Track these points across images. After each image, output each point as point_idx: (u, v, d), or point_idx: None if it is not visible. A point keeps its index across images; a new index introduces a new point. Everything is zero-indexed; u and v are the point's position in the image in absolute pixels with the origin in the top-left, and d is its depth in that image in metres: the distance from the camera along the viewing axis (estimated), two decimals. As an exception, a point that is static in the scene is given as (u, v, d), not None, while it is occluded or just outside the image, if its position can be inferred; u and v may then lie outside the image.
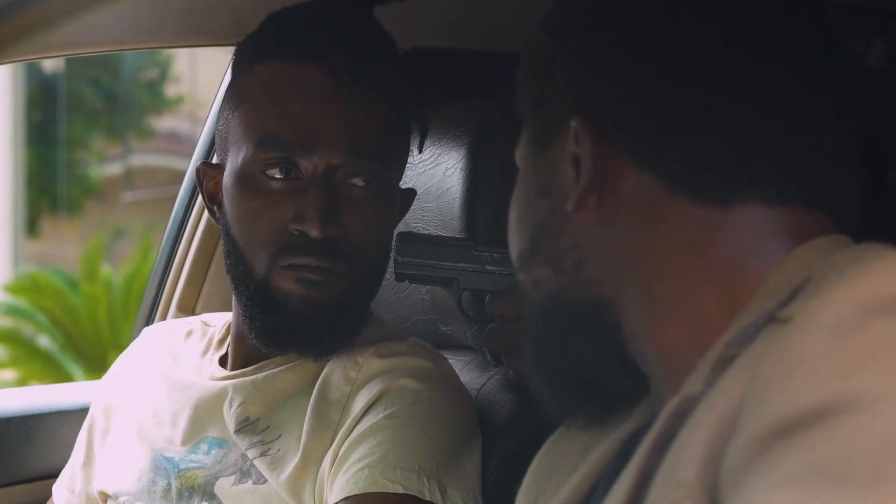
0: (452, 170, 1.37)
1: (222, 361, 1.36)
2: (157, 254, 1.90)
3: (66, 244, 11.24)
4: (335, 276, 1.22)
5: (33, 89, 11.42)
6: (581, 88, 0.80)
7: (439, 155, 1.40)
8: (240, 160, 1.24)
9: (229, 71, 1.36)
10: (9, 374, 7.82)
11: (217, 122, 1.32)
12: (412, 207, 1.38)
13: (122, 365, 1.45)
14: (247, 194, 1.23)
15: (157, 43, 1.70)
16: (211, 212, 1.32)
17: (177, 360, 1.39)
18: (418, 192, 1.38)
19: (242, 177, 1.24)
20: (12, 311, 7.96)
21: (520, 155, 0.87)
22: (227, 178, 1.26)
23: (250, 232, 1.23)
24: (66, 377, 7.38)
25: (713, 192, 0.75)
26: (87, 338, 7.66)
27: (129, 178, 12.03)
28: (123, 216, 11.79)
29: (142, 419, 1.36)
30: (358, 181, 1.23)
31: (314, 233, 1.20)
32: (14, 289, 8.27)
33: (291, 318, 1.23)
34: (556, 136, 0.81)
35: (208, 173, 1.32)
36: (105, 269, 8.29)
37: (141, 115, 11.98)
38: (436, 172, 1.40)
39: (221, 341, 1.39)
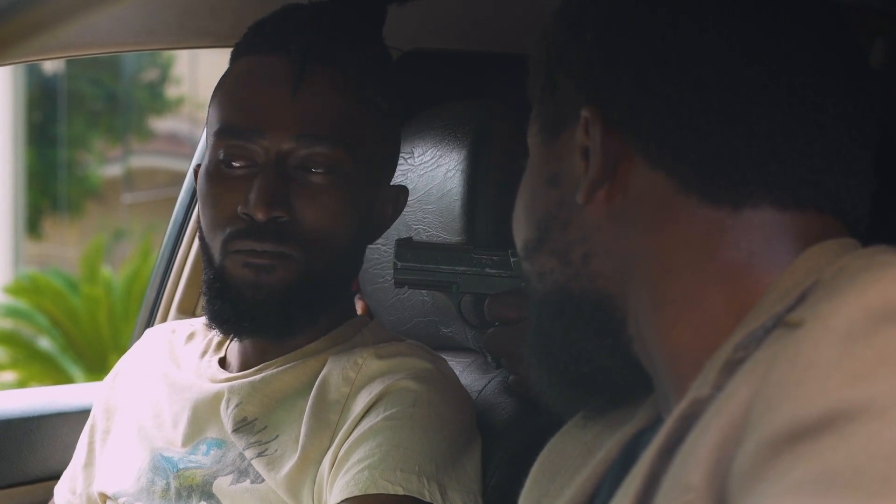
0: (453, 171, 1.37)
1: (222, 364, 1.36)
2: (158, 255, 1.90)
3: (67, 245, 11.24)
4: (285, 261, 1.23)
5: (34, 90, 11.43)
6: (593, 80, 0.79)
7: (440, 157, 1.39)
8: (207, 153, 1.27)
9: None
10: (9, 375, 7.82)
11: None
12: (413, 209, 1.38)
13: (125, 366, 1.45)
14: (208, 183, 1.26)
15: (157, 44, 1.70)
16: None
17: (178, 362, 1.39)
18: (419, 194, 1.37)
19: (207, 167, 1.27)
20: (12, 312, 7.96)
21: (530, 143, 0.86)
22: (200, 172, 1.29)
23: (209, 219, 1.26)
24: (66, 379, 7.37)
25: (725, 194, 0.75)
26: (88, 339, 7.66)
27: (130, 180, 12.03)
28: (124, 217, 11.79)
29: (143, 420, 1.36)
30: (316, 169, 1.24)
31: (258, 216, 1.21)
32: (14, 290, 8.27)
33: (242, 303, 1.24)
34: (567, 126, 0.81)
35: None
36: (105, 271, 8.29)
37: (141, 116, 11.98)
38: (437, 174, 1.39)
39: (220, 344, 1.39)
